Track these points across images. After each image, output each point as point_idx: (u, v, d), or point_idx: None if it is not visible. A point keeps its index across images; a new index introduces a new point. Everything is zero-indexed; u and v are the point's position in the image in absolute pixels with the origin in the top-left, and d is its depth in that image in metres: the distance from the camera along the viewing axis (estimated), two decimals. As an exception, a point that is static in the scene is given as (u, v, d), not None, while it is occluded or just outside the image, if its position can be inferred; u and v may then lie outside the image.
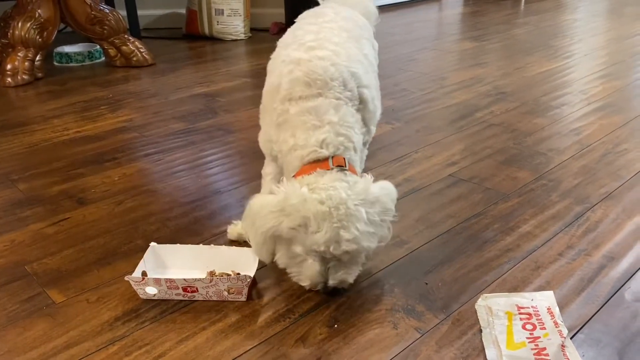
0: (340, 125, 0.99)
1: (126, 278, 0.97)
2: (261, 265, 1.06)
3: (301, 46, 1.07)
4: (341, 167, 0.95)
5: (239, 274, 1.00)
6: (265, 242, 0.94)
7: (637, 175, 1.42)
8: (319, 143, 0.97)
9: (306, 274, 0.95)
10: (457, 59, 2.68)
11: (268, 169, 1.16)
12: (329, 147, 0.97)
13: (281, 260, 0.96)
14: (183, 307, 0.97)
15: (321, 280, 0.94)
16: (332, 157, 0.96)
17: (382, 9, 4.08)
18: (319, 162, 0.96)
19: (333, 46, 1.06)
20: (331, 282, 0.95)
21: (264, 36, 3.27)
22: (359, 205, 0.91)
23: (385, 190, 0.96)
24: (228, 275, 1.01)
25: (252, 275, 0.98)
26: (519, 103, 2.01)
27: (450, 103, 2.03)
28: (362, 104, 1.06)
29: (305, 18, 1.22)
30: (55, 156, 1.63)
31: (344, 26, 1.15)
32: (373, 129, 1.13)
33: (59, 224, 1.26)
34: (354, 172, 0.98)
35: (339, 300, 0.98)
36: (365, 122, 1.08)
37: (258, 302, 0.98)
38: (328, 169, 0.95)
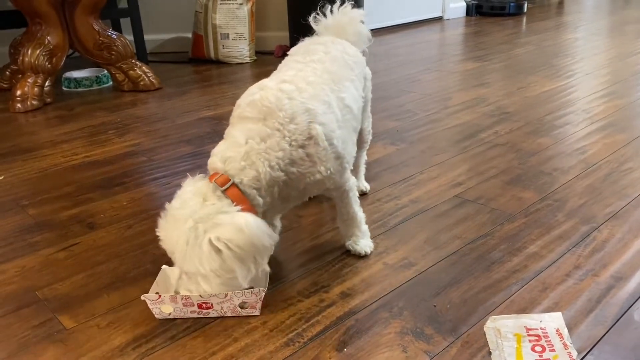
0: (258, 153, 0.98)
1: (142, 297, 0.98)
2: (270, 281, 1.06)
3: (277, 78, 1.09)
4: (218, 186, 0.97)
5: (252, 287, 1.01)
6: None
7: (643, 194, 1.43)
8: (223, 158, 0.99)
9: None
10: (460, 80, 2.70)
11: None
12: (228, 164, 0.99)
13: None
14: (193, 331, 0.98)
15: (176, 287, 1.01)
16: (222, 175, 0.98)
17: (385, 30, 4.15)
18: (213, 174, 1.00)
19: (303, 84, 1.06)
20: (181, 291, 1.00)
21: (269, 59, 3.31)
22: (191, 224, 0.93)
23: (235, 226, 0.93)
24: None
25: (265, 288, 0.99)
26: (523, 123, 2.02)
27: (455, 124, 2.05)
28: (310, 140, 1.01)
29: (296, 54, 1.22)
30: (65, 181, 1.65)
31: (328, 68, 1.15)
32: (323, 169, 1.03)
33: (69, 249, 1.27)
34: (238, 200, 0.97)
35: (347, 324, 0.99)
36: (313, 159, 1.02)
37: (267, 326, 0.99)
38: (210, 182, 0.98)
